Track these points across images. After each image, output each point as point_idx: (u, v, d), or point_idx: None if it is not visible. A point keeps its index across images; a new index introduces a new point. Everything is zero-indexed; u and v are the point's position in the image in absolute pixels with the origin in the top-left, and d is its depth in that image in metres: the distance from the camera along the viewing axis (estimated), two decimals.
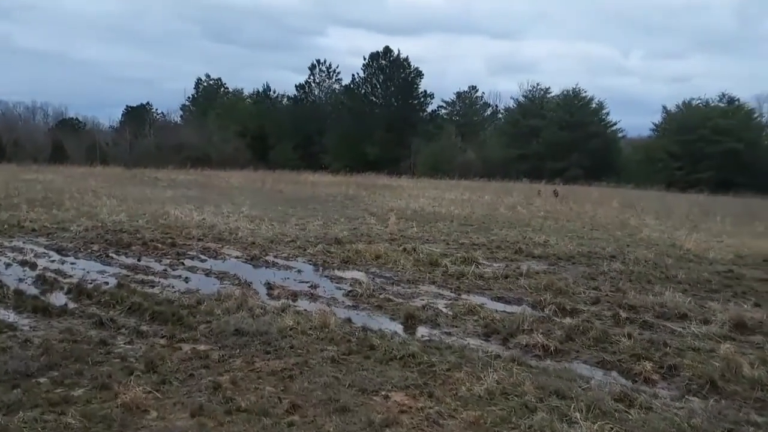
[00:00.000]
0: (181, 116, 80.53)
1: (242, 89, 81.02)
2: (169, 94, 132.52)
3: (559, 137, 56.71)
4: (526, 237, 15.17)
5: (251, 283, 9.58)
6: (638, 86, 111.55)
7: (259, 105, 74.79)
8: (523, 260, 12.30)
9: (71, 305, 7.99)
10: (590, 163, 55.71)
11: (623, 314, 7.85)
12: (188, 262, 11.38)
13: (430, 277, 10.29)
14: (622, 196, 29.52)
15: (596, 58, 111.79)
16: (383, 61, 68.93)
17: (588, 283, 10.08)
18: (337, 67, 73.38)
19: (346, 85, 71.00)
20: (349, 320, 7.34)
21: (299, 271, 10.81)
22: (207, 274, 10.37)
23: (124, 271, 10.41)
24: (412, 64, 68.50)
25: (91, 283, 9.29)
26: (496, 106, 78.22)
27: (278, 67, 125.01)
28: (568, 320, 7.50)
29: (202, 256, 12.09)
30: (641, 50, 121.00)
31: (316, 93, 75.26)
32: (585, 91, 59.40)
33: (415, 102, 69.86)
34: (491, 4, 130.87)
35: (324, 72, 74.41)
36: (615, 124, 60.24)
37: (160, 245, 13.02)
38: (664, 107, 58.14)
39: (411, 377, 5.51)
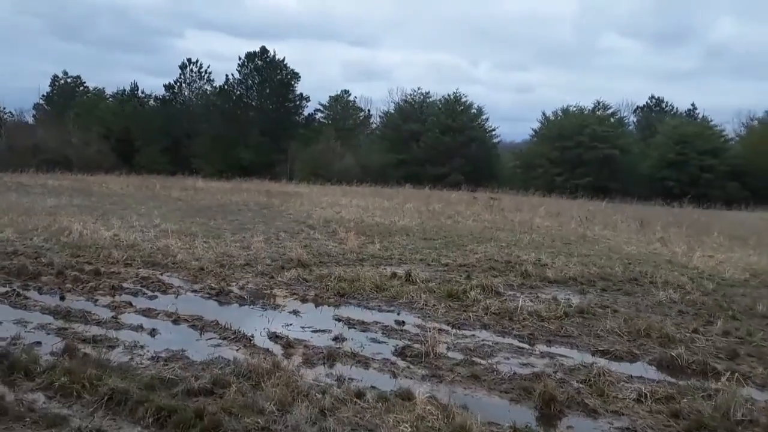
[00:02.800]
0: (33, 116, 73.05)
1: (103, 88, 74.73)
2: (16, 93, 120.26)
3: (440, 142, 55.94)
4: (512, 254, 13.32)
5: (251, 336, 6.96)
6: (486, 95, 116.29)
7: (125, 105, 68.98)
8: (543, 286, 10.42)
9: (3, 392, 5.14)
10: (471, 168, 55.50)
11: None
12: (135, 301, 8.54)
13: (473, 318, 8.11)
14: (537, 204, 28.57)
15: (446, 66, 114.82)
16: (259, 62, 65.66)
17: (670, 321, 8.24)
18: (208, 67, 69.08)
19: (219, 87, 66.89)
20: (465, 409, 4.96)
21: (295, 312, 8.28)
22: (175, 321, 7.61)
23: (52, 319, 7.49)
24: (288, 65, 65.82)
25: (15, 345, 6.37)
26: (368, 110, 77.40)
27: (133, 69, 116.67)
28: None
29: (146, 290, 9.26)
30: (489, 61, 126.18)
31: (186, 94, 70.52)
32: (465, 96, 59.15)
33: (291, 105, 67.07)
34: (348, 11, 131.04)
35: (195, 72, 69.77)
36: (494, 129, 60.41)
37: (80, 274, 9.98)
38: (543, 114, 58.93)
39: None
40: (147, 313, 7.93)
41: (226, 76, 65.54)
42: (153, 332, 7.07)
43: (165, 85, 68.84)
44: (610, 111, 56.34)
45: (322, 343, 6.79)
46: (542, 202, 30.47)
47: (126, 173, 44.24)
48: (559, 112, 57.03)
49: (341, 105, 72.16)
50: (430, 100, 61.48)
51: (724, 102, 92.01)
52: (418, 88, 63.43)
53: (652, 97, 67.96)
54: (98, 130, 62.19)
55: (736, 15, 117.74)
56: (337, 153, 59.25)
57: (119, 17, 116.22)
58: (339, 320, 7.92)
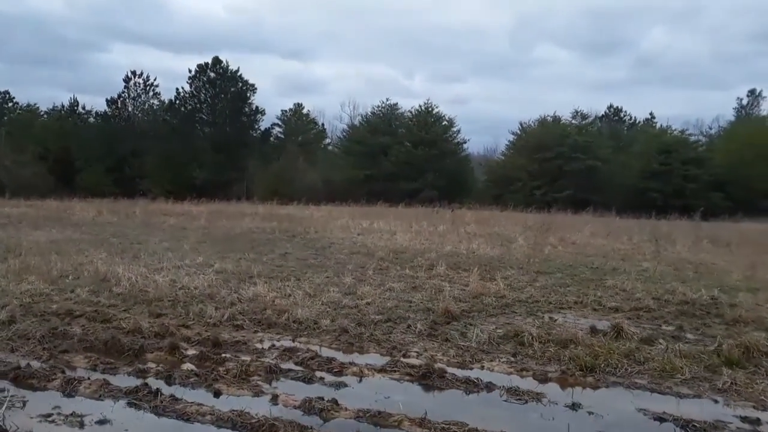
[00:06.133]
0: None
1: (36, 104, 69.41)
2: None
3: (412, 156, 53.73)
4: (675, 290, 11.07)
5: None
6: (412, 107, 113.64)
7: (63, 122, 64.03)
8: None
9: None
10: (444, 183, 53.64)
11: None
12: (329, 394, 5.86)
13: None
14: (559, 222, 26.61)
15: (382, 79, 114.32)
16: (211, 74, 62.06)
17: None
18: (155, 79, 64.88)
19: (169, 101, 62.80)
20: None
21: (574, 407, 5.76)
22: None
23: None
24: (242, 77, 62.41)
25: None
26: (322, 124, 75.13)
27: (57, 85, 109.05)
28: None
29: (320, 373, 6.56)
30: (423, 72, 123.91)
31: (130, 109, 65.96)
32: (437, 107, 57.17)
33: (246, 120, 63.52)
34: (279, 23, 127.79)
35: (140, 86, 65.33)
36: (465, 142, 58.59)
37: (199, 348, 7.20)
38: (521, 124, 57.31)
39: None
40: (378, 419, 5.29)
41: (177, 89, 61.88)
42: None
43: (107, 100, 64.46)
44: (588, 120, 55.21)
45: None
46: (561, 220, 28.53)
47: (62, 197, 40.28)
48: (532, 123, 55.65)
49: (297, 118, 69.22)
50: (398, 111, 59.16)
51: (654, 111, 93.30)
52: (387, 99, 61.29)
53: (611, 106, 67.85)
54: (34, 150, 57.61)
55: (665, 26, 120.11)
56: (299, 170, 56.40)
57: (36, 31, 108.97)
58: (659, 419, 5.46)
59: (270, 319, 8.54)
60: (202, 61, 62.31)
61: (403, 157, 53.62)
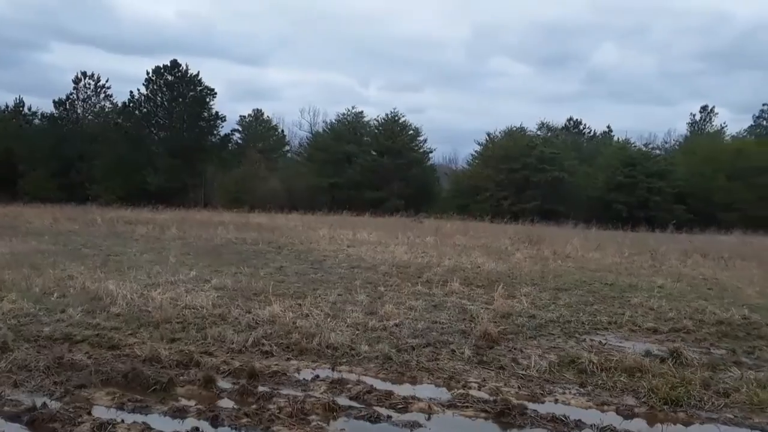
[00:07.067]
0: None
1: None
2: None
3: (378, 164, 53.08)
4: (705, 310, 10.57)
5: None
6: (376, 116, 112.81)
7: (7, 124, 61.07)
8: None
9: None
10: (411, 192, 53.16)
11: None
12: None
13: None
14: (540, 233, 26.28)
15: (337, 86, 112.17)
16: (169, 77, 60.02)
17: None
18: (107, 81, 62.57)
19: (122, 104, 60.50)
20: None
21: None
22: None
23: None
24: (202, 81, 60.58)
25: None
26: (282, 130, 73.84)
27: None
28: None
29: (382, 410, 5.82)
30: (379, 81, 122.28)
31: (79, 112, 63.37)
32: (403, 116, 56.55)
33: (205, 125, 61.56)
34: (234, 27, 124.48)
35: (90, 87, 62.84)
36: (431, 151, 58.19)
37: (238, 383, 6.36)
38: (488, 134, 57.22)
39: None
40: None
41: (131, 92, 59.55)
42: None
43: (54, 102, 61.70)
44: (554, 132, 55.52)
45: None
46: (540, 232, 28.23)
47: (35, 203, 38.50)
48: (499, 134, 55.59)
49: (258, 124, 67.79)
50: (364, 120, 58.34)
51: (603, 124, 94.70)
52: (353, 107, 60.37)
53: (571, 119, 68.49)
54: None
55: (615, 42, 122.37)
56: (260, 177, 55.17)
57: None
58: None
59: (300, 344, 7.71)
60: (152, 65, 60.29)
61: (369, 166, 52.83)
